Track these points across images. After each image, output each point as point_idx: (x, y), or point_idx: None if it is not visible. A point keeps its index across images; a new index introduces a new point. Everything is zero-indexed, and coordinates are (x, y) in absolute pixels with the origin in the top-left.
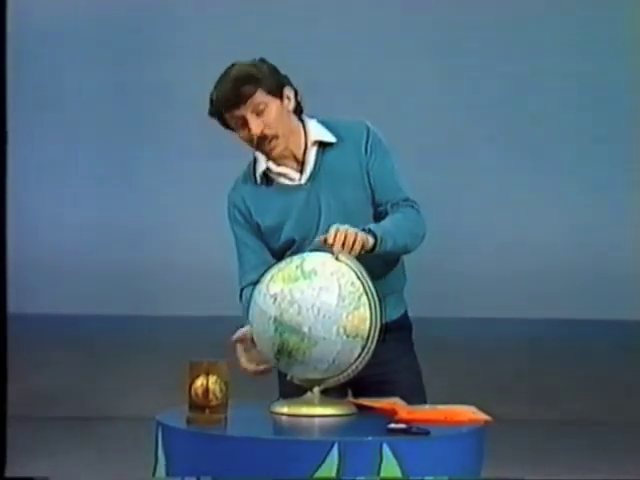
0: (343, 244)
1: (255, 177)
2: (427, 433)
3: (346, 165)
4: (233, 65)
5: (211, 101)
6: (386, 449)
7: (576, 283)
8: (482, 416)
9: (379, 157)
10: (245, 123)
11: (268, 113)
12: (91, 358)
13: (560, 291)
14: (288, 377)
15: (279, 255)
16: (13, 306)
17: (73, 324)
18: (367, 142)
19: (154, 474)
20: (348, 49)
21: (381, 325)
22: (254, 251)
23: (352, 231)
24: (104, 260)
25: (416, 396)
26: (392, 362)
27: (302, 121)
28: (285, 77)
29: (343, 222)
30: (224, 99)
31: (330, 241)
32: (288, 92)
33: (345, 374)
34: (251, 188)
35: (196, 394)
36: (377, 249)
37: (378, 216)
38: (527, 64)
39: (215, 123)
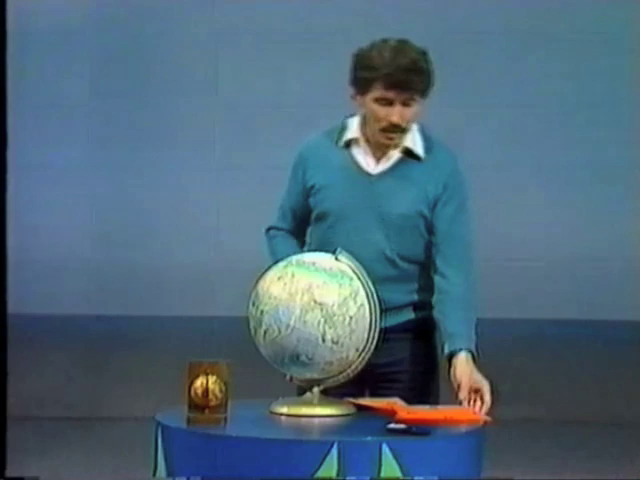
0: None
1: (338, 138)
2: (427, 433)
3: (418, 183)
4: (406, 43)
5: (372, 66)
6: (385, 449)
7: (576, 283)
8: (482, 416)
9: (453, 206)
10: (388, 104)
11: (412, 109)
12: (91, 358)
13: (560, 291)
14: (287, 377)
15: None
16: (13, 306)
17: (73, 324)
18: (449, 177)
19: (154, 474)
20: None
21: (381, 326)
22: (293, 206)
23: (487, 394)
24: (104, 260)
25: (425, 395)
26: (411, 361)
27: None
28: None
29: (385, 229)
30: (393, 77)
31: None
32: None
33: (345, 374)
34: (324, 143)
35: (196, 394)
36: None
37: (431, 258)
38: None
39: (216, 125)
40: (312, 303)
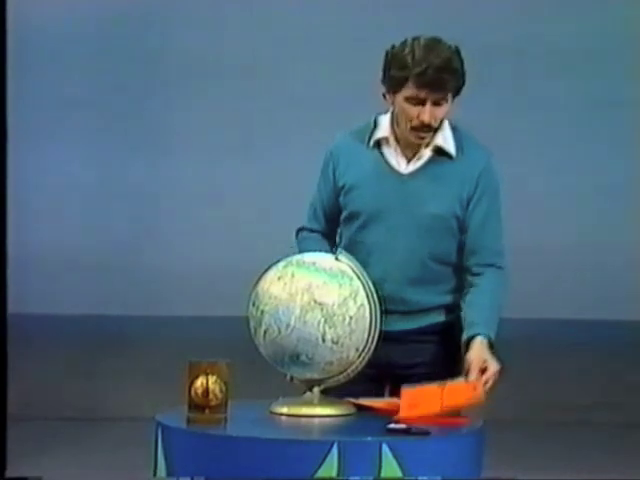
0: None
1: (369, 138)
2: (427, 433)
3: (451, 182)
4: (439, 41)
5: (404, 65)
6: (385, 449)
7: (576, 283)
8: (480, 392)
9: (485, 205)
10: (419, 103)
11: (442, 108)
12: (91, 358)
13: (561, 291)
14: (287, 377)
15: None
16: (13, 306)
17: (73, 324)
18: (480, 175)
19: (154, 474)
20: None
21: (381, 326)
22: (324, 206)
23: (492, 371)
24: (104, 260)
25: None
26: (436, 363)
27: None
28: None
29: (416, 230)
30: (426, 77)
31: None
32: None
33: (345, 374)
34: (354, 142)
35: (196, 394)
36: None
37: (464, 260)
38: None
39: (215, 124)
40: (312, 303)
